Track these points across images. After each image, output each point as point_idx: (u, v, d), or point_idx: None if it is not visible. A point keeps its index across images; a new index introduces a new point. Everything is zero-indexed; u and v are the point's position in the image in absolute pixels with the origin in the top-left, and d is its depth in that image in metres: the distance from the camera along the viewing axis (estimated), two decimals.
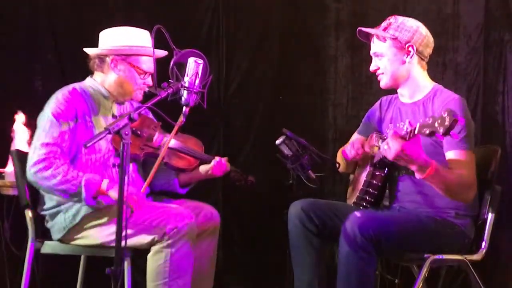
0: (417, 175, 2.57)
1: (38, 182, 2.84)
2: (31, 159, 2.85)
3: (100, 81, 3.07)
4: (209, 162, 3.16)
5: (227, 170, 3.20)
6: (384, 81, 2.93)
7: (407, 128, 2.48)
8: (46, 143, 2.85)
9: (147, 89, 3.05)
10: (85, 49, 3.08)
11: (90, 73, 3.11)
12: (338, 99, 4.28)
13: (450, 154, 2.71)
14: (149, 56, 3.02)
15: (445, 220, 2.78)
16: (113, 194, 2.80)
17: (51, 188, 2.83)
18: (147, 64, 3.04)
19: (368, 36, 2.95)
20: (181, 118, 2.67)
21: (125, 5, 4.23)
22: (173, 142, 3.07)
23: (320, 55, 4.33)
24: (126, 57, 3.01)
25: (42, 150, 2.84)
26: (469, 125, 2.74)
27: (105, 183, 2.82)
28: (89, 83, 3.08)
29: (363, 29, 2.94)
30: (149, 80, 3.06)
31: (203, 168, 3.18)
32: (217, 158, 3.16)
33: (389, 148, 2.48)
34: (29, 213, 3.02)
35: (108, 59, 3.02)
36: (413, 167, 2.55)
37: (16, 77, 4.08)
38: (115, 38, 3.03)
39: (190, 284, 2.87)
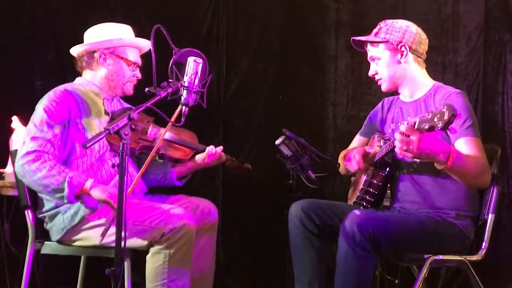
0: (441, 166, 2.52)
1: (24, 175, 2.83)
2: (20, 152, 2.85)
3: (90, 78, 3.10)
4: (204, 151, 3.20)
5: (222, 159, 3.23)
6: (384, 86, 2.95)
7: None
8: (36, 137, 2.85)
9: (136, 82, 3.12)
10: (72, 49, 3.12)
11: (80, 74, 3.15)
12: (338, 99, 4.28)
13: (460, 142, 2.68)
14: (134, 47, 3.11)
15: (445, 220, 2.78)
16: (95, 193, 2.78)
17: (35, 183, 2.81)
18: (134, 55, 3.12)
19: (363, 45, 2.97)
20: (176, 113, 2.67)
21: (125, 5, 4.23)
22: (167, 135, 3.10)
23: (320, 55, 4.33)
24: (114, 49, 3.07)
25: (31, 143, 2.84)
26: (473, 116, 2.75)
27: (89, 182, 2.80)
28: (80, 82, 3.11)
29: (356, 38, 2.96)
30: (138, 73, 3.13)
31: (198, 157, 3.21)
32: (211, 147, 3.19)
33: (408, 145, 2.43)
34: (29, 214, 3.02)
35: (96, 55, 3.06)
36: (436, 158, 2.51)
37: (16, 77, 4.09)
38: (101, 33, 3.08)
39: (190, 284, 2.87)
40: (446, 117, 2.28)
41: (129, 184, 2.74)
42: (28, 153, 2.82)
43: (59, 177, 2.78)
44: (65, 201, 2.80)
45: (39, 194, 2.97)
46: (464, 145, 2.68)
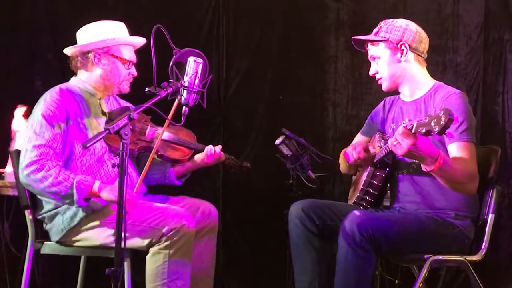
0: (426, 168, 2.54)
1: (31, 185, 2.83)
2: (23, 162, 2.83)
3: (85, 79, 3.08)
4: (203, 151, 3.19)
5: (221, 158, 3.22)
6: (385, 85, 2.95)
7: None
8: (37, 145, 2.83)
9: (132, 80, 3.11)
10: (65, 49, 3.10)
11: (75, 74, 3.13)
12: (338, 99, 4.28)
13: (452, 146, 2.71)
14: (130, 45, 3.09)
15: (445, 221, 2.78)
16: (105, 195, 2.79)
17: (43, 191, 2.82)
18: (129, 53, 3.09)
19: (363, 44, 2.97)
20: (173, 109, 2.68)
21: (125, 5, 4.23)
22: (165, 135, 3.09)
23: (320, 55, 4.32)
24: (108, 49, 3.03)
25: (33, 152, 2.82)
26: (470, 118, 2.75)
27: (96, 185, 2.80)
28: (75, 82, 3.09)
29: (356, 37, 2.97)
30: (133, 70, 3.10)
31: (197, 157, 3.20)
32: (210, 147, 3.18)
33: (400, 144, 2.45)
34: (29, 214, 3.01)
35: (90, 55, 3.03)
36: (422, 161, 2.54)
37: (16, 77, 4.09)
38: (94, 33, 3.04)
39: (189, 284, 2.87)
40: (442, 122, 2.28)
41: (129, 184, 2.75)
42: (31, 163, 2.81)
43: (66, 183, 2.78)
44: (76, 205, 2.80)
45: (38, 196, 2.97)
46: (456, 150, 2.69)
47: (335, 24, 4.28)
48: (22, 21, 4.13)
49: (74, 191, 2.77)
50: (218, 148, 3.20)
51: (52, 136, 2.86)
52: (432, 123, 2.32)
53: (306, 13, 4.35)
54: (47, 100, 2.93)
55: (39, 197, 2.96)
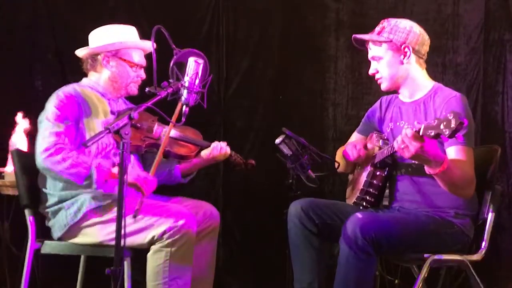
0: (429, 171, 2.55)
1: (50, 167, 2.85)
2: (41, 146, 2.87)
3: (95, 80, 3.15)
4: (209, 147, 3.22)
5: (227, 153, 3.24)
6: (384, 85, 2.94)
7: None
8: (54, 132, 2.89)
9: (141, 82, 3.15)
10: (77, 51, 3.16)
11: (86, 75, 3.18)
12: (338, 99, 4.28)
13: (451, 150, 2.70)
14: (138, 48, 3.15)
15: (445, 220, 2.78)
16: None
17: (63, 172, 2.84)
18: (138, 57, 3.15)
19: (364, 42, 2.96)
20: (177, 112, 2.69)
21: (125, 5, 4.24)
22: (172, 132, 3.12)
23: (320, 55, 4.33)
24: (116, 52, 3.10)
25: (51, 138, 2.87)
26: (470, 123, 2.74)
27: (116, 168, 2.85)
28: (86, 82, 3.16)
29: (358, 36, 2.95)
30: (142, 73, 3.17)
31: (204, 153, 3.22)
32: (216, 143, 3.21)
33: (407, 147, 2.44)
34: (29, 213, 3.02)
35: (99, 57, 3.11)
36: (428, 164, 2.53)
37: (16, 77, 4.09)
38: (104, 36, 3.12)
39: (190, 283, 2.87)
40: (453, 125, 2.26)
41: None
42: (49, 147, 2.85)
43: (86, 164, 2.83)
44: (94, 186, 2.84)
45: (43, 189, 2.99)
46: (454, 154, 2.69)
47: (335, 24, 4.28)
48: (22, 21, 4.13)
49: (94, 171, 2.82)
50: (224, 143, 3.22)
51: (65, 127, 2.92)
52: (442, 126, 2.30)
53: (306, 13, 4.35)
54: (59, 95, 2.99)
55: (43, 190, 2.99)
